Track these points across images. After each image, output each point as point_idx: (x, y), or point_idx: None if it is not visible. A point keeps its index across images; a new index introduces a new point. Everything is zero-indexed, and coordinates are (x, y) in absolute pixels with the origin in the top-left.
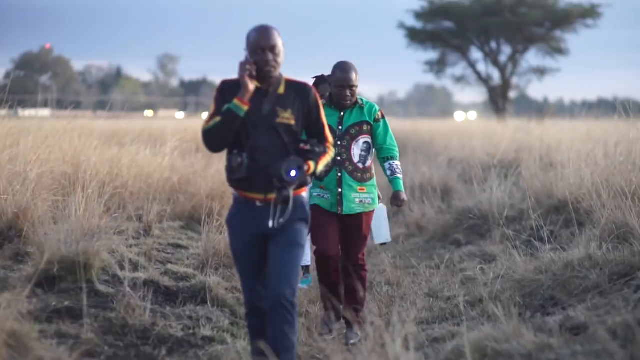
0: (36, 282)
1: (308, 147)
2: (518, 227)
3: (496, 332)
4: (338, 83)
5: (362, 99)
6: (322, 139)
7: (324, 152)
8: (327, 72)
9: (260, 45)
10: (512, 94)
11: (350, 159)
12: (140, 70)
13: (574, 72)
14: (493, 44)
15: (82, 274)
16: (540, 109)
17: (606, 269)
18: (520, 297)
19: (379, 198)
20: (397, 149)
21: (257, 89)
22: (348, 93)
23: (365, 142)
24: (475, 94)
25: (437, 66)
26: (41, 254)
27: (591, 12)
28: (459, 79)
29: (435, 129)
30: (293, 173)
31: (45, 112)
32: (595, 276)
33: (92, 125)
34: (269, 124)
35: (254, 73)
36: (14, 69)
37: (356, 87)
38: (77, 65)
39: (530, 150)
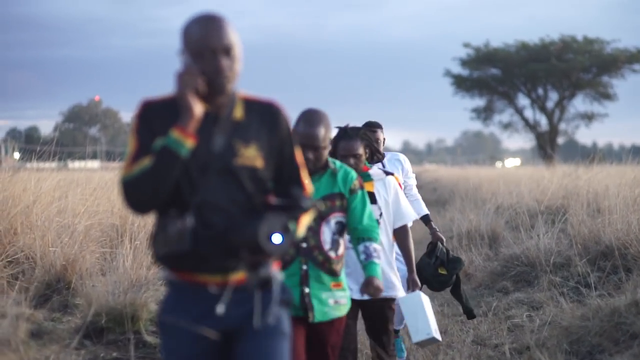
0: (84, 334)
1: (278, 200)
2: (565, 273)
3: None
4: (300, 139)
5: (334, 162)
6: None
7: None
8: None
9: (210, 44)
10: (560, 140)
11: (319, 246)
12: None
13: (623, 117)
14: (540, 90)
15: (130, 325)
16: (587, 155)
17: None
18: (567, 344)
19: (419, 284)
20: (377, 230)
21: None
22: (311, 156)
23: (338, 223)
24: (523, 141)
25: (484, 113)
26: (89, 306)
27: (638, 57)
28: (507, 126)
29: (483, 176)
30: (277, 239)
31: (94, 163)
32: None
33: None
34: (225, 168)
35: (202, 88)
36: (64, 121)
37: (324, 148)
38: (126, 116)
39: (578, 196)
